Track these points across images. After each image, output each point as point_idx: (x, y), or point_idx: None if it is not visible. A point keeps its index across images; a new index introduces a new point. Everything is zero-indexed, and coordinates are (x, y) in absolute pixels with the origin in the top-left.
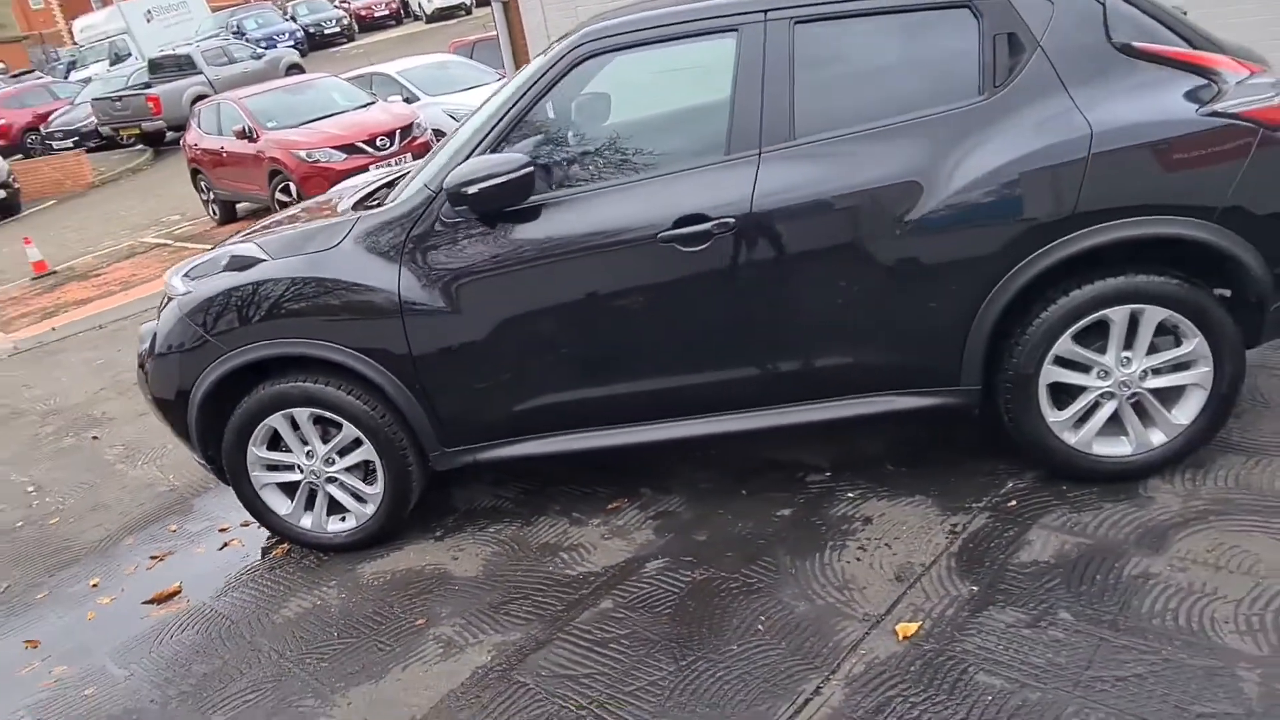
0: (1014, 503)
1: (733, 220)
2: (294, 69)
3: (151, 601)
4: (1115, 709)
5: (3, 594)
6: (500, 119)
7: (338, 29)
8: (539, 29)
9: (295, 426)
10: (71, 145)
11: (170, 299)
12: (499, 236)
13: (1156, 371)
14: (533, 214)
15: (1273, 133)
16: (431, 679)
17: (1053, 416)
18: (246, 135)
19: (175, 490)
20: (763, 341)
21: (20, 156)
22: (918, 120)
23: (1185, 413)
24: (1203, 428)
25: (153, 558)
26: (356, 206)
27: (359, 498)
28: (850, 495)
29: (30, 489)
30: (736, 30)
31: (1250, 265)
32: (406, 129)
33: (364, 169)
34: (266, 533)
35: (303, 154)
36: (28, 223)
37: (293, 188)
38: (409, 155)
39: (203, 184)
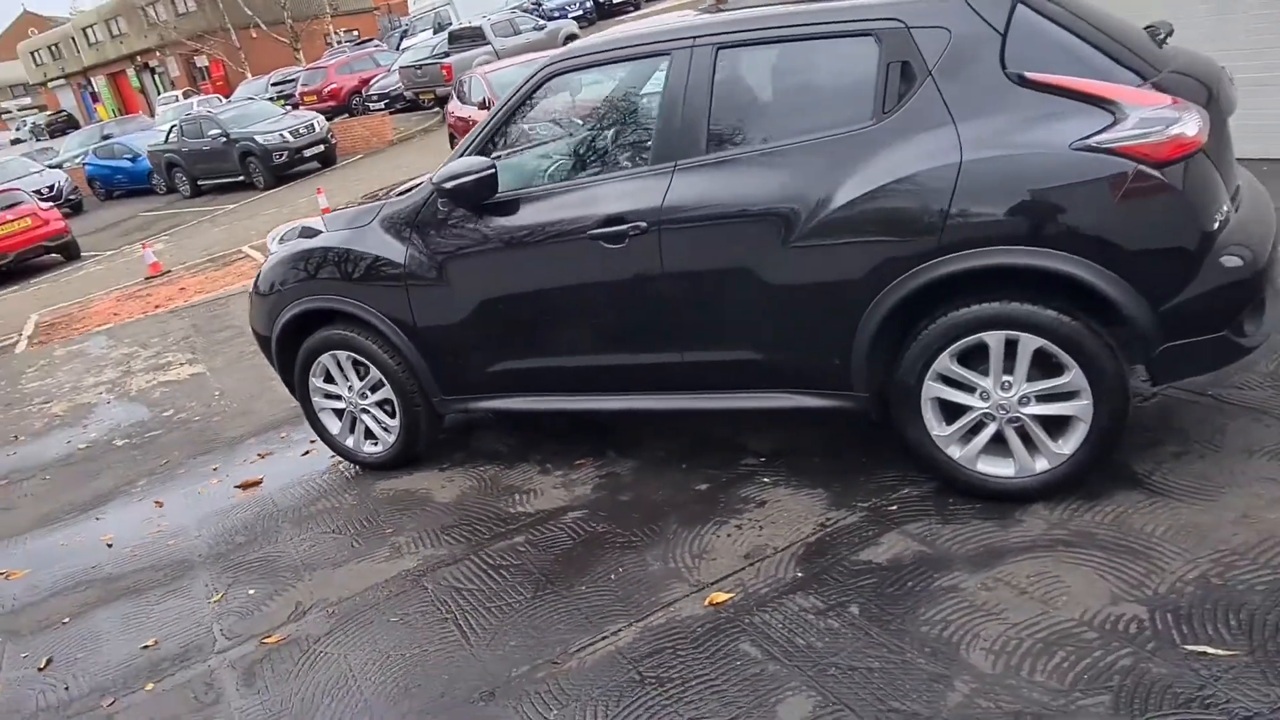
0: (895, 507)
1: (644, 224)
2: (571, 39)
3: (240, 486)
4: (828, 692)
5: (163, 466)
6: (485, 126)
7: None
8: None
9: (340, 366)
10: (383, 107)
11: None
12: (477, 225)
13: (1040, 398)
14: (501, 208)
15: (1149, 168)
16: (369, 573)
17: (937, 430)
18: (486, 106)
19: (296, 406)
20: (677, 333)
21: (346, 116)
22: (814, 141)
23: (1069, 443)
24: (1084, 460)
25: (260, 455)
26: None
27: (385, 428)
28: (765, 480)
29: (217, 392)
30: (669, 55)
31: (1123, 303)
32: None
33: None
34: None
35: None
36: (338, 173)
37: None
38: None
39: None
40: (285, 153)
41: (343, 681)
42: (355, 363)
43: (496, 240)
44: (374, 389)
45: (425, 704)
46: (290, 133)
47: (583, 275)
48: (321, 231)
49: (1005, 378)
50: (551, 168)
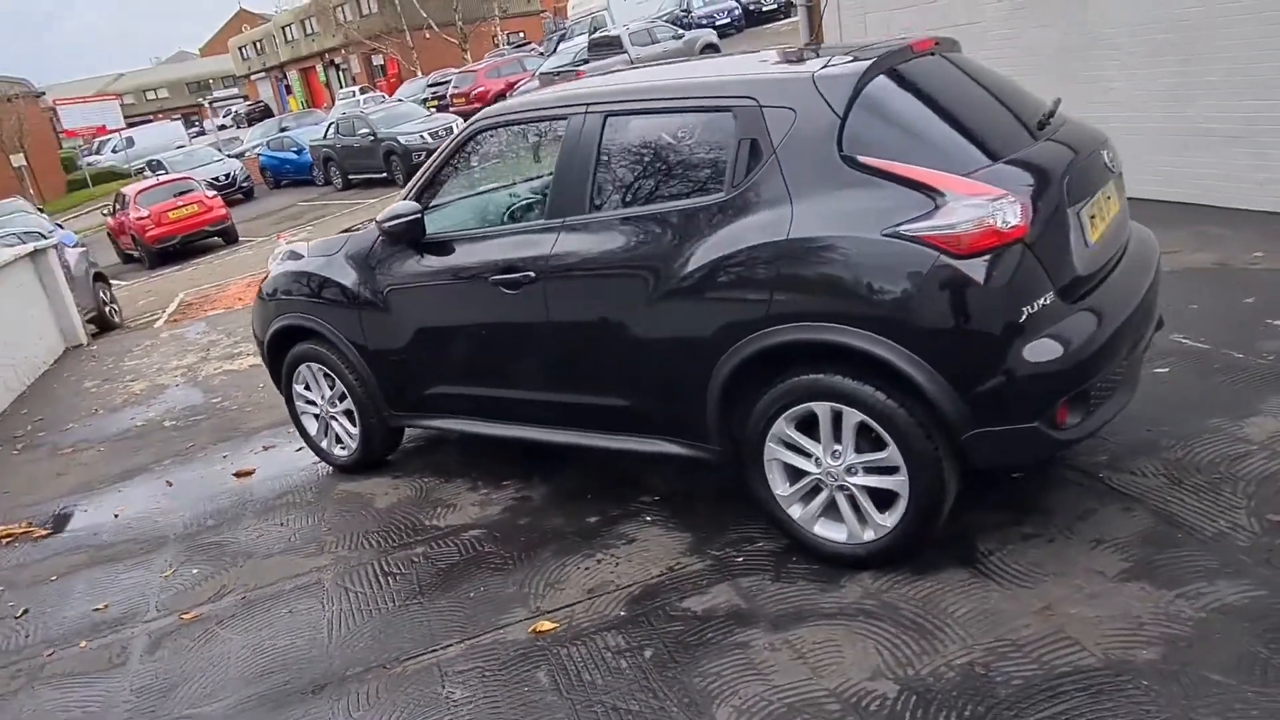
0: (741, 559)
1: (533, 274)
2: (709, 49)
3: (236, 474)
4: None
5: (188, 449)
6: (422, 173)
7: (774, 5)
8: (832, 34)
9: (314, 376)
10: None
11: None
12: (413, 262)
13: (867, 470)
14: (431, 248)
15: (950, 259)
16: (290, 566)
17: (780, 490)
18: None
19: None
20: (562, 374)
21: None
22: (678, 208)
23: (892, 516)
24: (902, 535)
25: (264, 447)
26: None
27: (350, 435)
28: (646, 519)
29: (260, 385)
30: (567, 119)
31: (925, 386)
32: None
33: None
34: None
35: None
36: None
37: None
38: None
39: None
40: (424, 153)
41: (219, 661)
42: (325, 374)
43: (426, 277)
44: (340, 399)
45: (266, 689)
46: (430, 134)
47: (488, 315)
48: (302, 256)
49: (835, 446)
50: (474, 214)
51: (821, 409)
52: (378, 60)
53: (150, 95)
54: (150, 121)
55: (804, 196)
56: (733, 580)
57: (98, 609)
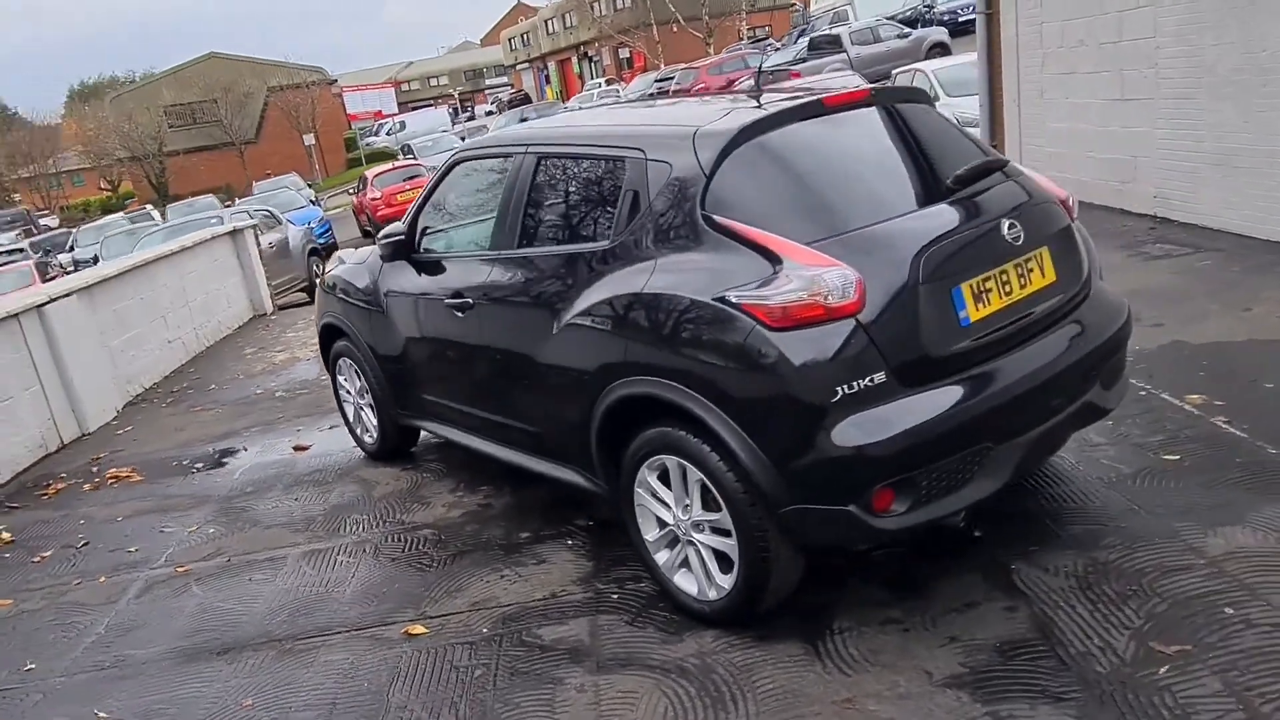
0: (616, 596)
1: (471, 301)
2: (937, 49)
3: (294, 448)
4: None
5: (277, 420)
6: (422, 195)
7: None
8: (1010, 42)
9: (347, 370)
10: None
11: None
12: (403, 277)
13: (711, 529)
14: (418, 266)
15: (763, 329)
16: (276, 540)
17: (648, 535)
18: None
19: None
20: (497, 396)
21: None
22: (575, 251)
23: (729, 579)
24: (734, 601)
25: (331, 427)
26: None
27: (373, 426)
28: (568, 543)
29: None
30: (513, 156)
31: (739, 453)
32: None
33: None
34: None
35: None
36: None
37: None
38: None
39: None
40: None
41: (174, 614)
42: (355, 370)
43: (411, 292)
44: (363, 393)
45: (187, 645)
46: None
47: (446, 333)
48: (343, 262)
49: (686, 501)
50: (449, 239)
51: (671, 463)
52: (625, 54)
53: (433, 82)
54: (429, 107)
55: (665, 251)
56: (595, 616)
57: (130, 551)
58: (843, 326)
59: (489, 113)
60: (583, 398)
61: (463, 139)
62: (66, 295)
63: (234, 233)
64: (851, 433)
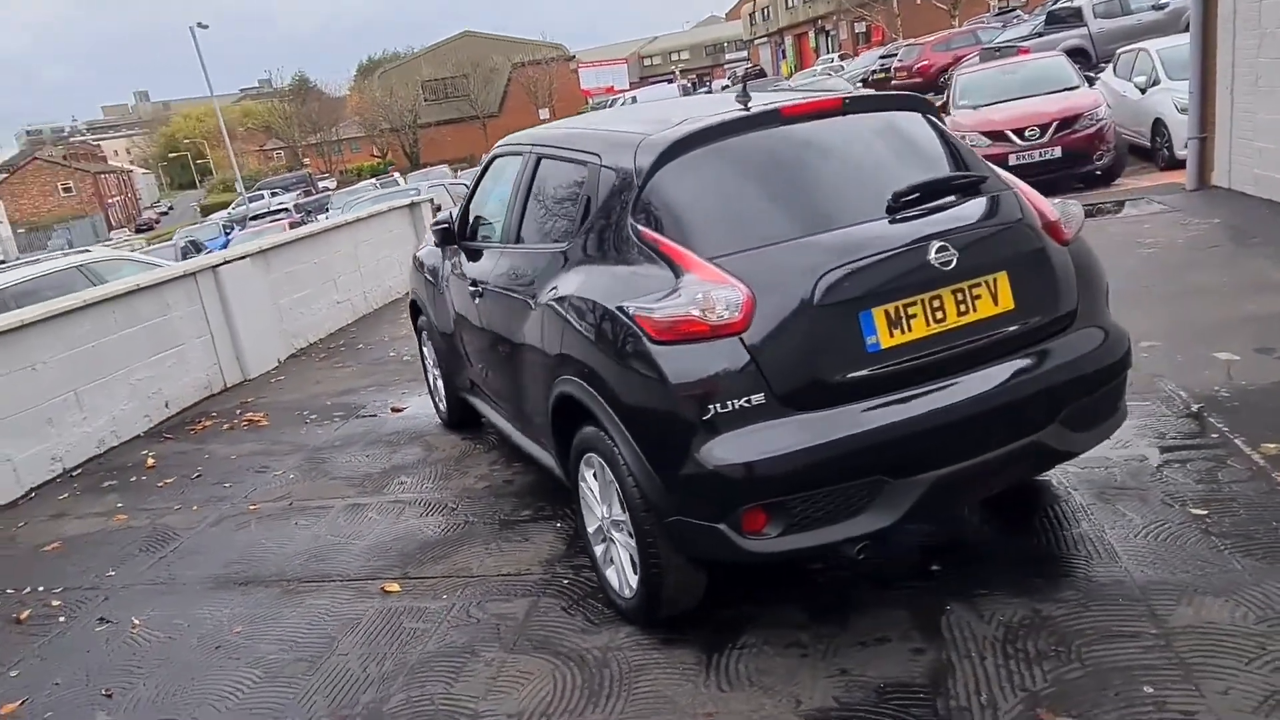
0: (566, 581)
1: (481, 289)
2: None
3: (392, 409)
4: (315, 676)
5: (393, 382)
6: (473, 185)
7: None
8: (1227, 19)
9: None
10: None
11: None
12: (450, 260)
13: (624, 529)
14: (463, 251)
15: (646, 342)
16: (334, 490)
17: (590, 527)
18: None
19: None
20: (497, 377)
21: (931, 95)
22: (545, 250)
23: (637, 580)
24: (639, 603)
25: (428, 392)
26: None
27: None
28: (556, 525)
29: None
30: (522, 155)
31: (625, 459)
32: (1068, 120)
33: (1002, 160)
34: None
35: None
36: None
37: None
38: (1058, 149)
39: None
40: None
41: (227, 546)
42: (429, 343)
43: (455, 275)
44: (437, 365)
45: (221, 574)
46: None
47: (470, 315)
48: (427, 245)
49: (610, 499)
50: (484, 229)
51: (595, 461)
52: (862, 28)
53: (674, 57)
54: (665, 81)
55: (600, 258)
56: (539, 598)
57: (225, 486)
58: (725, 345)
59: (724, 87)
60: (543, 391)
61: None
62: (241, 259)
63: (411, 205)
64: (719, 451)
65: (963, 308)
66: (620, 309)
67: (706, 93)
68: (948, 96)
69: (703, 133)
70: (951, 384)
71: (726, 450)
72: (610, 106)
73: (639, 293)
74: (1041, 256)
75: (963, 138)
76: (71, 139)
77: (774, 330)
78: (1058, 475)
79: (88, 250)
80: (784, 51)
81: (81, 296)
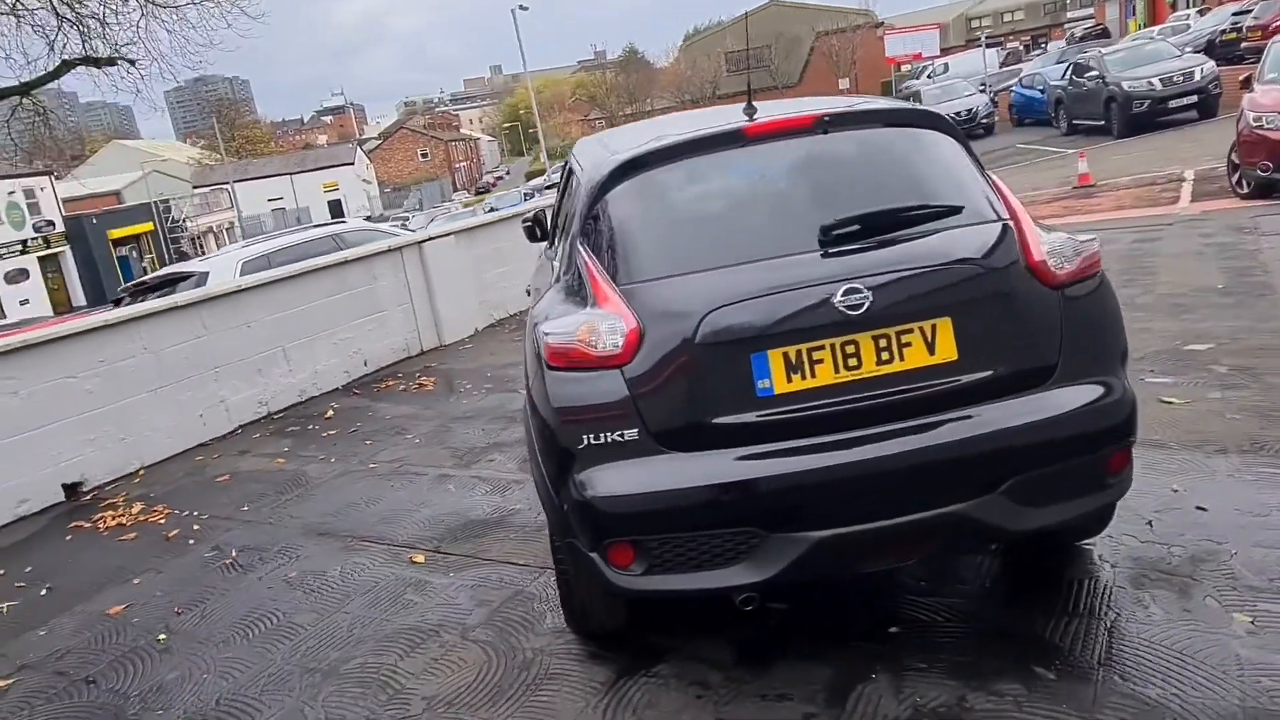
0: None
1: (528, 290)
2: None
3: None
4: (323, 632)
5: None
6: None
7: None
8: None
9: None
10: None
11: None
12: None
13: None
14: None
15: (545, 367)
16: (437, 459)
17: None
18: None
19: None
20: None
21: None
22: (551, 260)
23: None
24: (566, 615)
25: None
26: None
27: None
28: None
29: None
30: (569, 162)
31: (535, 478)
32: None
33: None
34: None
35: (1251, 117)
36: (1201, 130)
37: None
38: None
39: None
40: (1147, 101)
41: (330, 497)
42: None
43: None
44: None
45: (312, 522)
46: (1161, 80)
47: None
48: None
49: None
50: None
51: None
52: None
53: (1005, 18)
54: (993, 46)
55: (562, 273)
56: (524, 590)
57: (366, 444)
58: (605, 376)
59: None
60: None
61: (983, 86)
62: (445, 236)
63: None
64: (590, 482)
65: (885, 355)
66: (535, 327)
67: (1041, 54)
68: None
69: (656, 153)
70: (854, 438)
71: (595, 482)
72: (919, 78)
73: (560, 314)
74: (1005, 302)
75: (1258, 120)
76: (436, 109)
77: (654, 366)
78: (1107, 539)
79: (343, 221)
80: (1134, 8)
81: (299, 267)
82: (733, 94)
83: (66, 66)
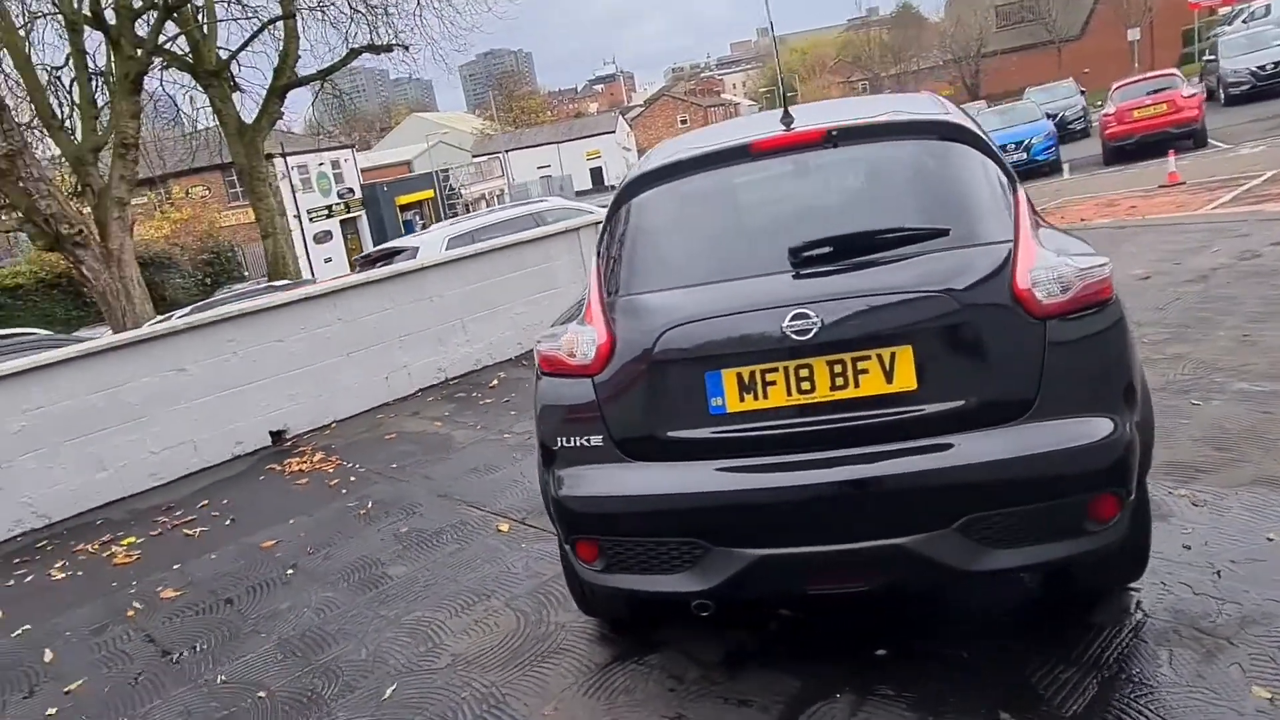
0: None
1: None
2: None
3: None
4: (417, 566)
5: None
6: None
7: None
8: None
9: None
10: None
11: None
12: None
13: None
14: None
15: (538, 370)
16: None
17: None
18: None
19: None
20: None
21: None
22: None
23: None
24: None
25: None
26: None
27: None
28: None
29: None
30: None
31: (539, 474)
32: None
33: None
34: None
35: None
36: None
37: None
38: None
39: None
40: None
41: (465, 464)
42: None
43: None
44: None
45: (442, 484)
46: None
47: None
48: None
49: None
50: None
51: None
52: None
53: None
54: None
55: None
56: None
57: (511, 414)
58: (578, 384)
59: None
60: None
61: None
62: (597, 224)
63: None
64: (559, 481)
65: (840, 381)
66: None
67: None
68: None
69: (664, 169)
70: (800, 461)
71: (565, 481)
72: (1231, 23)
73: (560, 321)
74: (975, 331)
75: None
76: (702, 74)
77: (619, 378)
78: (1159, 585)
79: (545, 200)
80: None
81: (478, 248)
82: (1003, 50)
83: (353, 54)
